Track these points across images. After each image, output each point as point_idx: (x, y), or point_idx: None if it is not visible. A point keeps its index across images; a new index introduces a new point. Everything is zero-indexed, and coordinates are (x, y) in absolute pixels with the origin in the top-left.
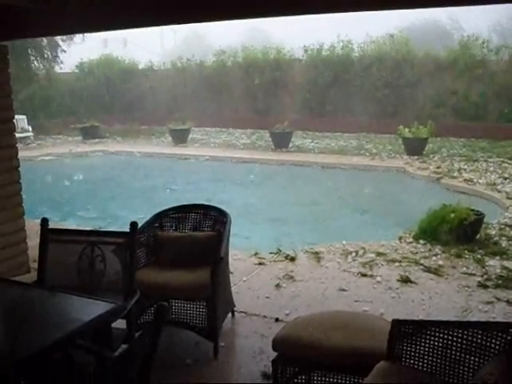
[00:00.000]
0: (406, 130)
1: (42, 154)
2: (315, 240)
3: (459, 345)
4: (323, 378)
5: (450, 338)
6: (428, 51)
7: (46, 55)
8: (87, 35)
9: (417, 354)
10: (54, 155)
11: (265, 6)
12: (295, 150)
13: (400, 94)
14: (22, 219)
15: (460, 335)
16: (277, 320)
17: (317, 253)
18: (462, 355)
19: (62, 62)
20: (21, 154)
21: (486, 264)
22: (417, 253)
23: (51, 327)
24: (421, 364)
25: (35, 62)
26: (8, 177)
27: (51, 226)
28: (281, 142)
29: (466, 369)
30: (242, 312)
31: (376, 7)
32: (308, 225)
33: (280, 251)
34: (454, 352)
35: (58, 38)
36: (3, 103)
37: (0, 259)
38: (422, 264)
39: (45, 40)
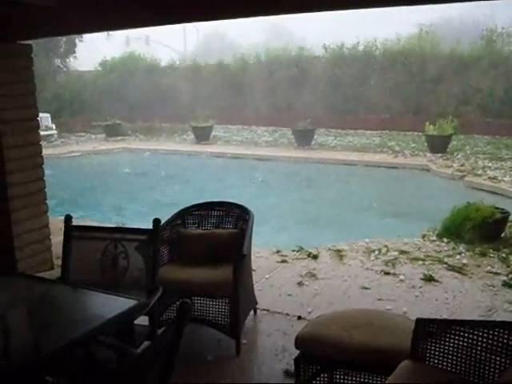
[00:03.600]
0: (431, 127)
1: (66, 151)
2: (338, 238)
3: (484, 345)
4: (346, 377)
5: (475, 337)
6: (454, 47)
7: (64, 53)
8: (110, 33)
9: (441, 354)
10: (78, 152)
11: (284, 3)
12: (318, 147)
13: (424, 90)
14: (46, 216)
15: (485, 335)
16: (299, 318)
17: (339, 251)
18: (488, 355)
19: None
20: (45, 152)
21: (511, 263)
22: (440, 251)
23: (74, 323)
24: (445, 364)
25: (57, 61)
26: (32, 174)
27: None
28: (303, 139)
29: (491, 369)
30: (264, 310)
31: (393, 3)
32: (331, 222)
33: (302, 249)
34: (479, 352)
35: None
36: (27, 101)
37: (24, 256)
38: (445, 262)
39: (64, 38)
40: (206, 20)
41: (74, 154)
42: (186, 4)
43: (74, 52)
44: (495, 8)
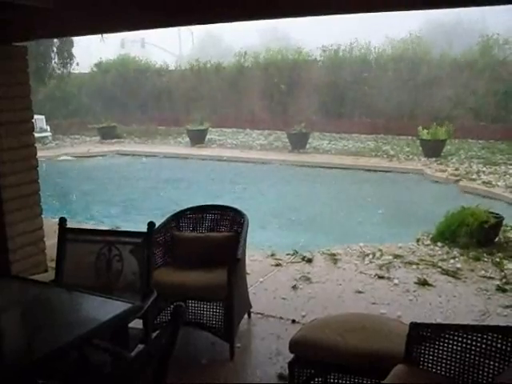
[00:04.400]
0: (425, 131)
1: (60, 153)
2: (332, 242)
3: (478, 349)
4: (340, 381)
5: (468, 342)
6: (447, 51)
7: (62, 55)
8: (105, 35)
9: (435, 358)
10: (72, 155)
11: (281, 6)
12: (312, 151)
13: (418, 95)
14: (40, 218)
15: (479, 339)
16: (293, 322)
17: (334, 254)
18: (481, 360)
19: (77, 64)
20: (40, 154)
21: (505, 267)
22: (435, 255)
23: (68, 326)
24: (439, 368)
25: (52, 62)
26: (26, 176)
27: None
28: (298, 143)
29: (484, 373)
30: (258, 313)
31: (388, 8)
32: (325, 226)
33: (297, 252)
34: (472, 356)
35: (75, 38)
36: (22, 103)
37: (18, 258)
38: (439, 267)
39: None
40: (203, 23)
41: (67, 158)
42: (183, 7)
43: (73, 56)
44: (486, 13)
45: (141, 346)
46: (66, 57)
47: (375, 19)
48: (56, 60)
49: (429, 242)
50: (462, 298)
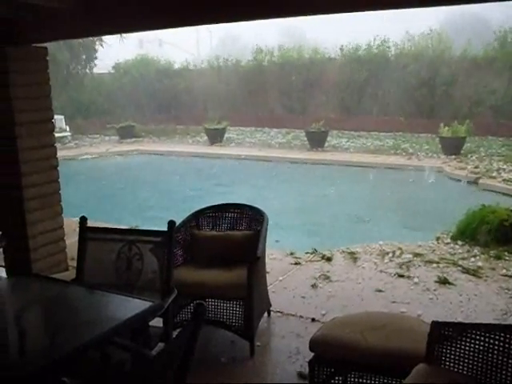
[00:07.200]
0: (445, 128)
1: (80, 153)
2: (352, 240)
3: (501, 348)
4: (360, 379)
5: (491, 341)
6: (466, 48)
7: (82, 56)
8: (124, 36)
9: (456, 357)
10: (91, 154)
11: (293, 5)
12: (331, 149)
13: (437, 92)
14: (61, 217)
15: (502, 339)
16: (313, 320)
17: (353, 253)
18: (504, 359)
19: (95, 65)
20: (59, 154)
21: None
22: (455, 254)
23: (89, 325)
24: (460, 367)
25: (72, 63)
26: (47, 176)
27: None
28: (316, 141)
29: (508, 373)
30: (278, 312)
31: (400, 6)
32: (344, 225)
33: (316, 251)
34: (495, 356)
35: (95, 39)
36: (43, 103)
37: (39, 257)
38: (460, 265)
39: (81, 41)
40: (219, 22)
41: (86, 157)
42: (198, 7)
43: (96, 58)
44: (506, 9)
45: (161, 345)
46: (87, 58)
47: (396, 16)
48: (77, 60)
49: (449, 240)
50: (483, 296)
